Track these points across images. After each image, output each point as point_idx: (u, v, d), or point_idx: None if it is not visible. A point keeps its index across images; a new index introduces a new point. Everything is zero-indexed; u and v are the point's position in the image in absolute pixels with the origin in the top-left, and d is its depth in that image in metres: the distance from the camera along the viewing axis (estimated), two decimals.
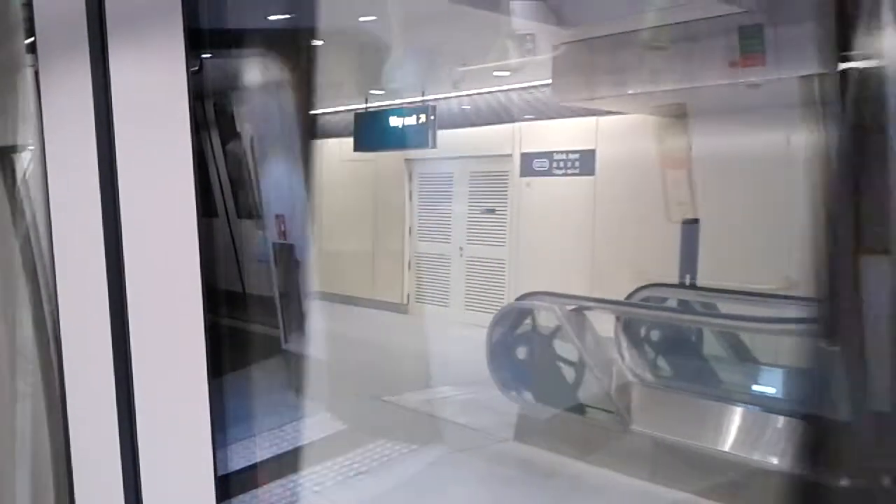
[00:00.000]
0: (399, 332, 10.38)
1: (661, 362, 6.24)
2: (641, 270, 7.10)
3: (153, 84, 1.95)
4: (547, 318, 6.27)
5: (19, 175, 2.02)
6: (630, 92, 7.21)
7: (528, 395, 6.46)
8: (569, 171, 9.68)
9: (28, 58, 2.03)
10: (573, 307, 6.04)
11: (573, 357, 6.05)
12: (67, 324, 2.05)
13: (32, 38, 2.02)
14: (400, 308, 11.45)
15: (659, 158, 7.86)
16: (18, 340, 2.01)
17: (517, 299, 7.00)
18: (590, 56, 7.05)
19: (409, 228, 11.87)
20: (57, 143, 2.03)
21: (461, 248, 11.26)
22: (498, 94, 9.77)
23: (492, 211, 10.87)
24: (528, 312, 6.50)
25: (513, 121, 9.98)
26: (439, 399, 7.13)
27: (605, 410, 5.72)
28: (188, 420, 1.99)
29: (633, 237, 8.35)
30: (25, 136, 2.00)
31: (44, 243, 2.04)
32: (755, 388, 6.22)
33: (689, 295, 6.93)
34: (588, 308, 6.07)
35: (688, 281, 7.49)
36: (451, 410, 6.83)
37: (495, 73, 9.16)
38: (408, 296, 11.63)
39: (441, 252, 11.42)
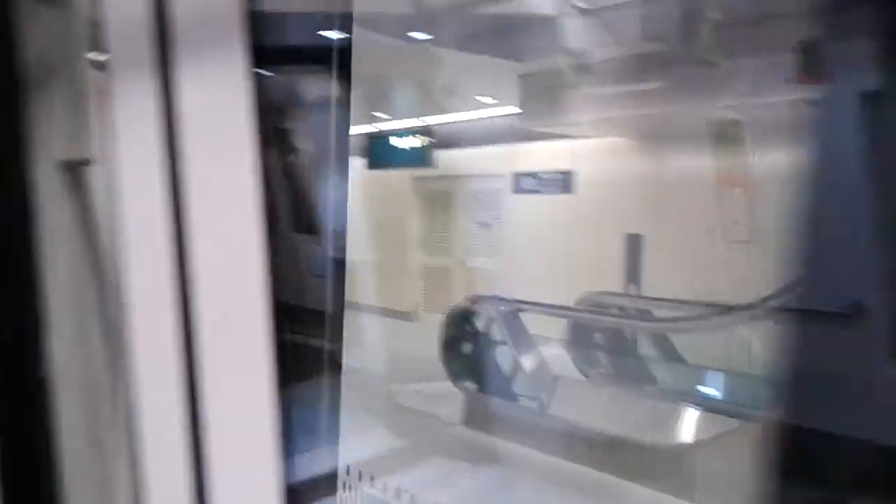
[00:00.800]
0: (398, 337, 10.45)
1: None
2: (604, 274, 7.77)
3: (216, 100, 1.88)
4: (486, 318, 6.80)
5: (87, 189, 1.92)
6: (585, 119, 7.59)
7: (473, 386, 6.89)
8: (552, 190, 10.06)
9: (95, 74, 1.93)
10: (506, 308, 6.62)
11: (507, 352, 6.57)
12: (136, 335, 1.94)
13: (100, 55, 1.93)
14: (406, 316, 11.44)
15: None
16: (89, 357, 1.89)
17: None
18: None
19: (417, 242, 11.90)
20: (124, 158, 1.93)
21: (462, 260, 11.35)
22: (495, 118, 10.05)
23: (487, 225, 11.04)
24: (474, 313, 6.92)
25: (507, 142, 10.31)
26: (411, 392, 7.34)
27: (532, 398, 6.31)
28: (254, 433, 1.89)
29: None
30: (94, 151, 1.89)
31: (112, 256, 1.94)
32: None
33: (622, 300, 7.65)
34: (521, 310, 6.61)
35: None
36: (417, 401, 7.09)
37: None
38: (415, 304, 11.64)
39: (444, 264, 11.50)
